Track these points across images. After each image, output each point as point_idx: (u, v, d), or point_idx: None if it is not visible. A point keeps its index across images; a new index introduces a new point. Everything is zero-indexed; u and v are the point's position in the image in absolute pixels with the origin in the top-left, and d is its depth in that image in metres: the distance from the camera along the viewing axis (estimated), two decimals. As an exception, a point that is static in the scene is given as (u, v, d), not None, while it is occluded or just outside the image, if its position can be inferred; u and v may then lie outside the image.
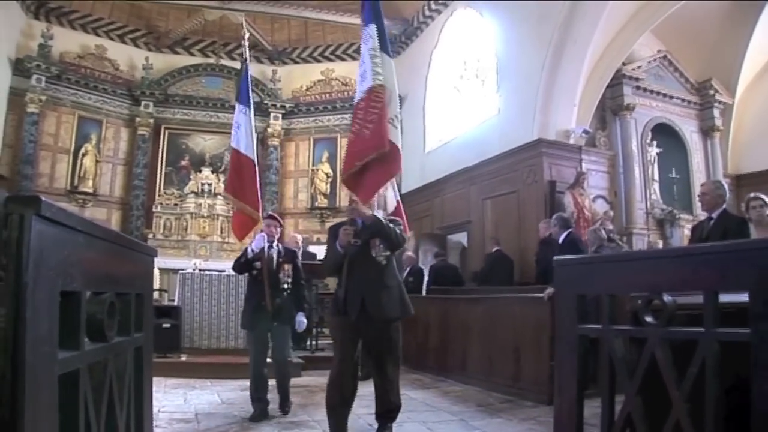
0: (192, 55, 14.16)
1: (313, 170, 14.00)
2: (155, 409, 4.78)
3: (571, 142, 8.86)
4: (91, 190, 12.70)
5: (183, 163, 13.78)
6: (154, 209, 13.06)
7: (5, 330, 0.91)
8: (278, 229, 5.23)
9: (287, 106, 14.06)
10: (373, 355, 3.93)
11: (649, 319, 1.68)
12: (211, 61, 14.20)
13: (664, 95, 10.23)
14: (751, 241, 2.26)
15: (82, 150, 12.67)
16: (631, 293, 1.92)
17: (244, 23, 12.28)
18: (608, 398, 1.87)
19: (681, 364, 1.56)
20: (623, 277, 1.89)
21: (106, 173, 13.12)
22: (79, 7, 13.01)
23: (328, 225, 13.43)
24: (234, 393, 4.82)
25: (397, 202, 5.15)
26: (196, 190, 13.28)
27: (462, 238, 10.76)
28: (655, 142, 10.04)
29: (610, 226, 7.99)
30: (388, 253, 3.93)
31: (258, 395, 4.81)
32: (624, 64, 9.59)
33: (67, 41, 12.88)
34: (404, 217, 4.43)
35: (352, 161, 4.42)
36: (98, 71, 13.10)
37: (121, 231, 12.85)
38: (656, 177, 10.03)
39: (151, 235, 12.68)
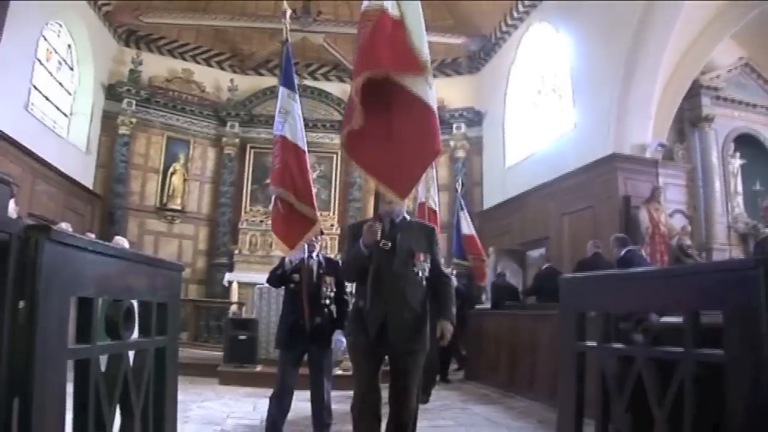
0: (275, 75, 15.99)
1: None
2: (223, 414, 5.84)
3: (647, 156, 9.73)
4: (179, 208, 14.53)
5: (268, 180, 15.71)
6: (240, 225, 14.70)
7: (24, 324, 1.34)
8: (319, 238, 5.05)
9: (374, 125, 15.74)
10: (390, 384, 3.66)
11: (637, 337, 1.93)
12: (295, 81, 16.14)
13: (747, 104, 11.03)
14: (725, 262, 3.17)
15: (171, 169, 14.52)
16: (623, 312, 2.10)
17: (323, 42, 14.47)
18: (601, 415, 2.10)
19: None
20: (615, 295, 2.15)
21: (194, 191, 14.93)
22: (167, 34, 14.95)
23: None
24: (303, 404, 4.81)
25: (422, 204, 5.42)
26: (280, 207, 15.07)
27: (540, 253, 11.63)
28: (738, 154, 10.77)
29: (688, 242, 8.77)
30: (428, 267, 3.73)
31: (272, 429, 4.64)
32: (702, 73, 10.51)
33: (156, 66, 14.85)
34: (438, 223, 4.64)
35: (349, 114, 3.65)
36: (185, 94, 14.96)
37: (208, 247, 15.04)
38: (739, 190, 10.74)
39: (237, 251, 14.35)
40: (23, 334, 1.34)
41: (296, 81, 5.72)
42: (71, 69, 13.16)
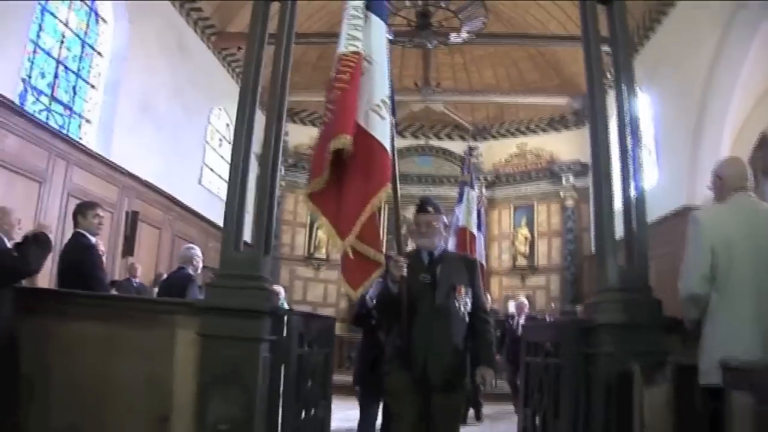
0: (404, 137, 19.33)
1: (513, 233, 18.11)
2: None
3: None
4: (324, 256, 17.91)
5: (402, 232, 18.80)
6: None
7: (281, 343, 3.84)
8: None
9: (489, 177, 18.34)
10: (428, 427, 3.73)
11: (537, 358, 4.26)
12: (421, 142, 19.45)
13: None
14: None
15: (316, 224, 18.35)
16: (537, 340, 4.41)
17: (443, 108, 17.46)
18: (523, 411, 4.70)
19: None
20: (534, 332, 4.80)
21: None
22: (307, 107, 18.58)
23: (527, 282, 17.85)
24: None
25: (464, 230, 6.82)
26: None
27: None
28: (814, 197, 12.60)
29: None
30: (470, 301, 3.86)
31: None
32: None
33: (300, 135, 18.14)
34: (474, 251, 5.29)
35: (317, 167, 3.93)
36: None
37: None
38: (814, 231, 12.48)
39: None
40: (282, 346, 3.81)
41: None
42: (230, 143, 16.99)
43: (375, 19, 4.20)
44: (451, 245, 8.92)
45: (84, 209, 5.16)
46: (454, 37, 12.67)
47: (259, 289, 3.84)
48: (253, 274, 3.84)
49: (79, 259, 4.67)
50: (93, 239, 5.05)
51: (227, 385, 3.62)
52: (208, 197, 14.80)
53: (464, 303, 3.80)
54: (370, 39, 4.13)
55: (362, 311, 5.21)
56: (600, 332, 3.61)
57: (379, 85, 4.06)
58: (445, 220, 4.19)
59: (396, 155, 4.05)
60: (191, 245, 7.11)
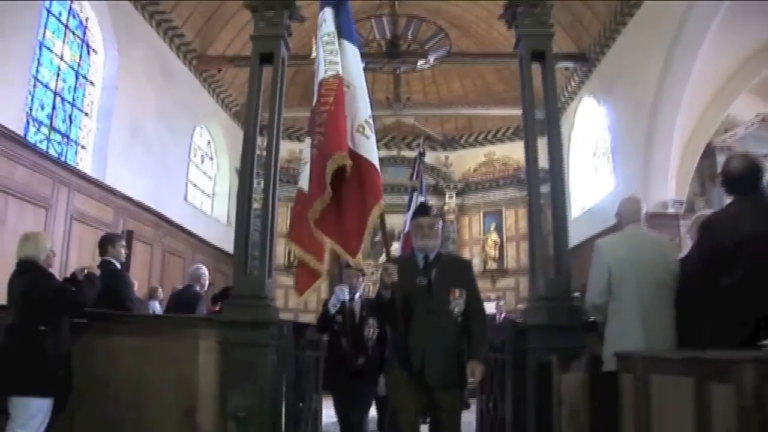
0: (377, 149, 20.29)
1: (483, 239, 19.26)
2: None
3: (669, 211, 12.61)
4: None
5: (377, 239, 19.90)
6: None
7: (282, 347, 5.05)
8: (360, 280, 5.65)
9: (459, 186, 19.43)
10: (430, 426, 4.04)
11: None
12: (393, 153, 20.52)
13: (765, 155, 13.97)
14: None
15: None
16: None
17: (414, 120, 18.57)
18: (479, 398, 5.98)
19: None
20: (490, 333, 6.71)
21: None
22: (285, 122, 19.87)
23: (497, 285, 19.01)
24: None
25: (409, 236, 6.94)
26: (388, 262, 19.26)
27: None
28: (756, 202, 13.77)
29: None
30: (463, 302, 4.01)
31: None
32: (725, 131, 13.34)
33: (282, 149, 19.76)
34: None
35: (317, 188, 4.18)
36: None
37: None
38: (757, 235, 13.68)
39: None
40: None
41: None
42: (211, 159, 17.94)
43: (348, 45, 4.55)
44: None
45: (113, 240, 6.17)
46: (421, 64, 13.83)
47: (265, 306, 4.92)
48: (259, 294, 4.92)
49: (115, 284, 5.68)
50: (119, 266, 6.08)
51: (243, 382, 4.71)
52: (193, 212, 15.80)
53: (458, 305, 4.00)
54: (348, 64, 4.47)
55: (324, 317, 5.55)
56: (531, 332, 4.73)
57: (361, 106, 4.37)
58: (441, 223, 4.56)
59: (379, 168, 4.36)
60: (199, 265, 8.17)
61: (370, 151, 4.29)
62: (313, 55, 4.79)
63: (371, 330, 5.34)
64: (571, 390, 4.33)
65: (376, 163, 4.29)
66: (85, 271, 5.02)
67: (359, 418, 5.41)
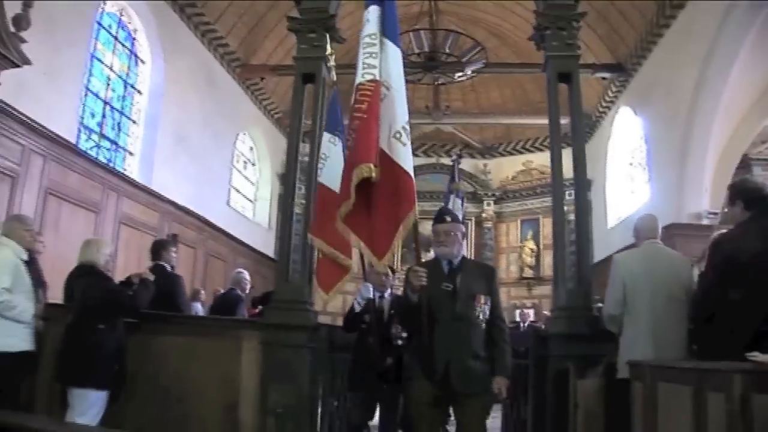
0: (417, 156, 20.78)
1: (520, 246, 19.56)
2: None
3: (704, 222, 12.59)
4: None
5: (413, 245, 20.20)
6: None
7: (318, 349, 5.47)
8: (389, 278, 5.55)
9: (497, 193, 19.84)
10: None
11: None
12: (433, 160, 20.88)
13: None
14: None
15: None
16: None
17: (453, 129, 18.89)
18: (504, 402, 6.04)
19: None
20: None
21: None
22: None
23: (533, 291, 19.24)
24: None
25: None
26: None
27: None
28: (793, 213, 13.79)
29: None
30: (488, 309, 4.00)
31: None
32: (762, 142, 13.53)
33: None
34: None
35: (344, 192, 4.22)
36: None
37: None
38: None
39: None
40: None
41: (342, 122, 5.80)
42: (253, 165, 18.45)
43: (390, 46, 4.41)
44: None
45: (167, 245, 6.64)
46: (459, 76, 14.19)
47: (304, 310, 5.32)
48: (298, 299, 5.31)
49: (170, 287, 6.14)
50: (170, 270, 6.54)
51: (282, 380, 5.11)
52: (236, 217, 16.33)
53: (483, 311, 3.98)
54: (388, 66, 4.36)
55: (349, 315, 5.45)
56: (552, 340, 5.06)
57: (399, 111, 4.29)
58: (463, 228, 4.36)
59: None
60: (241, 270, 8.65)
61: (406, 158, 4.21)
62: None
63: (399, 329, 5.13)
64: (587, 395, 4.63)
65: (411, 171, 4.20)
66: (141, 277, 5.45)
67: (389, 419, 5.34)
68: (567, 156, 17.19)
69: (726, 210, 4.38)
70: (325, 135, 5.68)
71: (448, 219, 4.25)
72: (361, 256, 5.16)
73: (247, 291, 8.45)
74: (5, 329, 4.79)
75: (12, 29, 7.07)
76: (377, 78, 4.31)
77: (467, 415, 3.94)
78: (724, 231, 4.42)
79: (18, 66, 7.17)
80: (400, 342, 5.11)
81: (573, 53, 5.93)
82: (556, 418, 4.86)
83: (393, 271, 5.70)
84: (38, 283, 5.29)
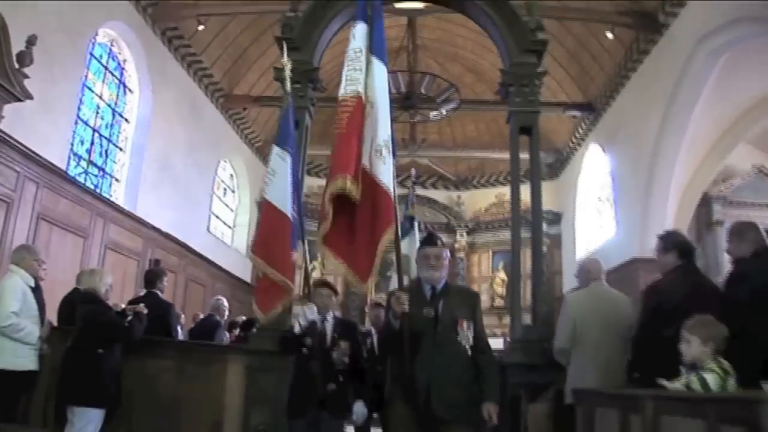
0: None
1: (491, 276, 20.17)
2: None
3: None
4: None
5: (388, 273, 21.01)
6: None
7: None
8: (333, 299, 5.30)
9: (470, 225, 20.42)
10: None
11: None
12: (406, 191, 21.41)
13: (761, 205, 14.18)
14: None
15: (311, 266, 20.37)
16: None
17: (428, 162, 19.58)
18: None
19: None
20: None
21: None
22: (313, 160, 20.87)
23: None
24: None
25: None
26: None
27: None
28: (753, 250, 14.53)
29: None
30: (472, 335, 3.95)
31: None
32: (723, 180, 14.21)
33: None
34: None
35: (323, 212, 4.23)
36: (317, 204, 20.84)
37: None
38: (751, 281, 14.40)
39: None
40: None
41: (293, 138, 5.69)
42: (233, 192, 19.06)
43: (377, 63, 4.43)
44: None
45: (161, 275, 7.17)
46: (434, 115, 14.92)
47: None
48: (281, 327, 5.83)
49: (164, 315, 6.71)
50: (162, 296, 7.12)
51: (264, 401, 5.65)
52: (215, 243, 16.84)
53: (466, 337, 3.93)
54: (373, 81, 4.39)
55: (288, 335, 5.19)
56: (509, 369, 5.66)
57: (381, 127, 4.26)
58: (448, 254, 4.27)
59: (396, 194, 4.26)
60: (220, 297, 9.28)
61: (385, 173, 4.17)
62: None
63: (341, 354, 4.95)
64: (536, 418, 5.25)
65: (390, 187, 4.15)
66: (135, 310, 5.97)
67: None
68: (542, 190, 17.60)
69: (657, 258, 4.97)
70: (275, 149, 5.50)
71: (439, 243, 4.23)
72: (305, 277, 5.40)
73: (225, 317, 9.08)
74: (13, 350, 5.38)
75: (16, 65, 7.58)
76: (360, 92, 4.34)
77: None
78: (657, 279, 5.02)
79: (21, 100, 7.64)
80: (342, 367, 4.94)
81: (534, 109, 6.57)
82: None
83: (335, 293, 5.44)
84: (42, 307, 5.82)
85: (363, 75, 4.39)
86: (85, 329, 5.59)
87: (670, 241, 4.99)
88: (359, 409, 4.94)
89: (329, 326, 5.10)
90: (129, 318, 5.87)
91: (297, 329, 4.98)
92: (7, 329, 5.32)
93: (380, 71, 4.44)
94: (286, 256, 5.20)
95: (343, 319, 5.56)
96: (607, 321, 5.10)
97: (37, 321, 5.64)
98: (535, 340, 5.81)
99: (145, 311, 5.98)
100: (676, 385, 3.53)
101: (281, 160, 5.41)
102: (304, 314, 5.00)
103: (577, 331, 5.14)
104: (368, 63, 4.44)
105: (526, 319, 5.99)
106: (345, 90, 4.39)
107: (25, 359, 5.49)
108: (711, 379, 3.37)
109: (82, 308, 5.70)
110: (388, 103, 4.40)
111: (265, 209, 5.36)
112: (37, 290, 5.79)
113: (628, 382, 4.75)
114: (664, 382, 3.62)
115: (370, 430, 6.32)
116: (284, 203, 5.28)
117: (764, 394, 2.72)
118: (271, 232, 5.27)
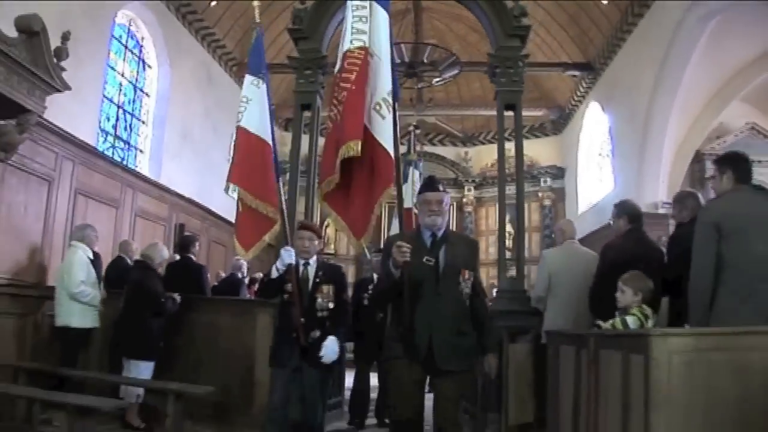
0: (401, 144, 22.08)
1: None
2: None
3: (660, 211, 14.10)
4: (333, 252, 20.52)
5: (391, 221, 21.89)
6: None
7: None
8: (315, 243, 4.92)
9: (477, 180, 21.33)
10: (434, 417, 3.79)
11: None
12: (416, 149, 22.36)
13: (752, 161, 15.41)
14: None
15: (326, 221, 21.27)
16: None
17: (435, 119, 20.46)
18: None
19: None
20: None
21: (343, 238, 21.55)
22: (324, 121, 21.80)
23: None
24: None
25: (409, 211, 7.59)
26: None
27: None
28: (743, 203, 15.30)
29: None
30: (471, 285, 3.83)
31: None
32: (717, 137, 14.89)
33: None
34: None
35: (327, 167, 4.14)
36: None
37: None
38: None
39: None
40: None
41: (265, 65, 5.59)
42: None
43: (378, 9, 4.25)
44: (395, 227, 8.97)
45: (194, 241, 8.33)
46: (437, 81, 15.83)
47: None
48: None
49: (196, 274, 7.84)
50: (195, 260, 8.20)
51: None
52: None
53: (467, 286, 3.81)
54: (374, 32, 4.22)
55: (265, 281, 5.01)
56: (497, 315, 6.72)
57: (381, 82, 4.12)
58: (449, 199, 4.06)
59: (398, 148, 4.19)
60: (239, 257, 10.25)
61: (385, 131, 4.07)
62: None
63: (325, 299, 4.77)
64: (518, 356, 6.33)
65: (389, 146, 4.07)
66: (171, 296, 7.00)
67: (314, 402, 4.79)
68: (543, 145, 18.83)
69: (611, 222, 5.97)
70: (248, 78, 5.50)
71: (440, 187, 4.00)
72: (282, 215, 5.14)
73: (246, 274, 10.29)
74: (82, 312, 6.58)
75: (55, 60, 8.51)
76: (366, 45, 4.19)
77: (451, 389, 3.78)
78: (612, 239, 5.96)
79: (60, 91, 8.53)
80: (325, 313, 4.76)
81: (518, 88, 7.59)
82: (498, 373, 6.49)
83: (318, 236, 5.11)
84: (100, 275, 6.97)
85: (368, 26, 4.26)
86: (133, 293, 6.71)
87: (622, 208, 5.92)
88: (329, 344, 4.68)
89: (312, 270, 4.86)
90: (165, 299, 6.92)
91: (274, 273, 4.73)
92: (77, 295, 6.52)
93: (383, 19, 4.30)
94: (268, 184, 5.04)
95: (328, 262, 5.33)
96: (578, 274, 6.07)
97: (97, 286, 6.79)
98: (518, 290, 6.82)
99: (179, 299, 7.02)
100: (606, 325, 4.56)
101: (255, 88, 5.43)
102: (280, 257, 4.72)
103: (552, 283, 6.19)
104: (371, 10, 4.32)
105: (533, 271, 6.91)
106: (351, 44, 4.26)
107: (89, 319, 6.73)
108: (631, 321, 4.41)
109: (135, 272, 6.83)
110: (389, 53, 4.27)
111: (241, 136, 5.29)
112: (95, 260, 6.89)
113: (592, 325, 5.80)
114: (600, 323, 4.65)
115: (339, 372, 7.41)
116: (263, 129, 5.22)
117: (652, 330, 3.77)
118: (249, 160, 5.15)
